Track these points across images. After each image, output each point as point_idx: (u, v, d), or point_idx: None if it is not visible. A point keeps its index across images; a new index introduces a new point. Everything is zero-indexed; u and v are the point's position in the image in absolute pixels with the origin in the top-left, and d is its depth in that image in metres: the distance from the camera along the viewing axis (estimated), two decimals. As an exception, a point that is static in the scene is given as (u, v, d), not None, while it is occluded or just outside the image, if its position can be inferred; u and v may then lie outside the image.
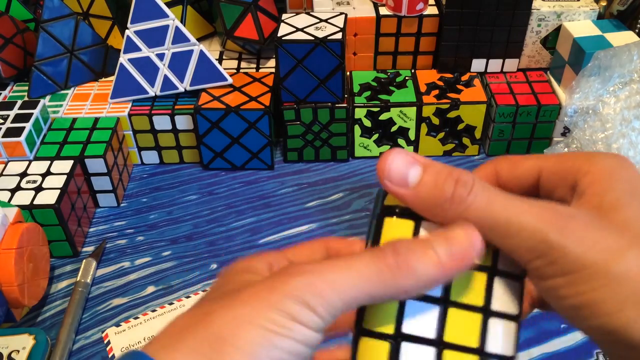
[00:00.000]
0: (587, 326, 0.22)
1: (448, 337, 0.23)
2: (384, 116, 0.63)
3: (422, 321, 0.23)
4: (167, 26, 0.61)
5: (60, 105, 0.65)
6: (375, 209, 0.25)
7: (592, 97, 0.59)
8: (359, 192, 0.62)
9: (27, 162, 0.57)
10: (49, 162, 0.57)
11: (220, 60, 0.70)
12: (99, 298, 0.53)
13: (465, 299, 0.24)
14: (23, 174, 0.56)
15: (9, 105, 0.61)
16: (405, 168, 0.23)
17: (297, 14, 0.63)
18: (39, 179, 0.55)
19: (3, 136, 0.57)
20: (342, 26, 0.60)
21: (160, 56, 0.63)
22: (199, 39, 0.69)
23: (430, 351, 0.23)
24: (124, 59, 0.63)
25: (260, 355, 0.20)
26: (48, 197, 0.53)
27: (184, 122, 0.63)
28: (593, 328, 0.22)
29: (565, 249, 0.22)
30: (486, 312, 0.24)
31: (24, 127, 0.58)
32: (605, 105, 0.58)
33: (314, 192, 0.63)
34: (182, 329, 0.22)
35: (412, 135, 0.65)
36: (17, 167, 0.56)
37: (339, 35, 0.59)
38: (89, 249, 0.57)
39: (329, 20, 0.61)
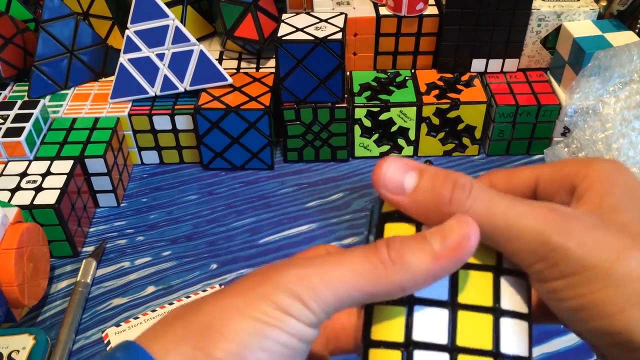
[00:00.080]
0: (588, 329, 0.22)
1: (461, 341, 0.23)
2: (384, 116, 0.63)
3: (432, 327, 0.23)
4: (167, 26, 0.61)
5: (60, 105, 0.65)
6: (372, 216, 0.25)
7: (592, 97, 0.59)
8: (359, 192, 0.62)
9: (27, 162, 0.57)
10: (49, 162, 0.57)
11: (220, 60, 0.70)
12: (99, 298, 0.53)
13: (474, 300, 0.23)
14: (23, 174, 0.56)
15: (9, 105, 0.61)
16: (400, 175, 0.23)
17: (297, 14, 0.63)
18: (39, 179, 0.55)
19: (3, 136, 0.57)
20: (342, 26, 0.60)
21: (160, 56, 0.63)
22: (199, 39, 0.69)
23: (444, 357, 0.22)
24: (124, 59, 0.63)
25: (251, 344, 0.20)
26: (48, 197, 0.53)
27: (184, 122, 0.63)
28: (594, 330, 0.22)
29: (567, 251, 0.21)
30: (496, 312, 0.23)
31: (24, 127, 0.58)
32: (605, 105, 0.58)
33: (314, 192, 0.63)
34: (173, 319, 0.22)
35: (412, 135, 0.65)
36: (17, 167, 0.56)
37: (339, 35, 0.59)
38: (89, 249, 0.57)
39: (329, 20, 0.61)
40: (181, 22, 0.65)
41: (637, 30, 0.64)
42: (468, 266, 0.24)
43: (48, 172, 0.56)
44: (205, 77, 0.63)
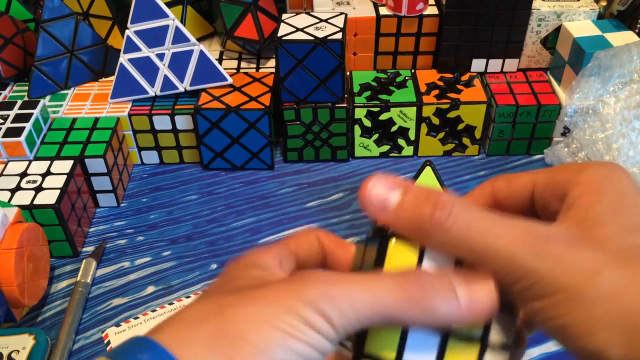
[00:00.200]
0: (569, 349, 0.22)
1: None
2: (384, 116, 0.63)
3: (422, 349, 0.23)
4: (167, 26, 0.61)
5: (60, 105, 0.65)
6: (374, 229, 0.25)
7: (592, 97, 0.59)
8: (359, 192, 0.62)
9: (27, 162, 0.57)
10: (49, 162, 0.57)
11: (220, 60, 0.70)
12: (99, 298, 0.53)
13: (465, 329, 0.24)
14: (23, 174, 0.56)
15: (9, 105, 0.61)
16: (385, 192, 0.24)
17: (297, 14, 0.63)
18: (39, 179, 0.55)
19: (3, 136, 0.57)
20: (342, 26, 0.60)
21: (160, 56, 0.63)
22: (199, 39, 0.69)
23: None
24: (124, 59, 0.63)
25: (277, 354, 0.21)
26: (48, 197, 0.53)
27: (184, 122, 0.63)
28: (574, 351, 0.22)
29: (539, 273, 0.21)
30: (484, 344, 0.24)
31: (24, 127, 0.58)
32: (605, 105, 0.58)
33: (314, 192, 0.63)
34: (197, 323, 0.21)
35: (412, 135, 0.65)
36: (17, 167, 0.56)
37: (339, 35, 0.59)
38: (89, 249, 0.57)
39: (329, 20, 0.61)
40: (181, 22, 0.65)
41: (637, 30, 0.64)
42: None
43: (48, 172, 0.56)
44: (205, 77, 0.63)
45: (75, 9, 0.69)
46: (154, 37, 0.62)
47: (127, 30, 0.62)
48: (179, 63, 0.63)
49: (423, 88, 0.65)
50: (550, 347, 0.48)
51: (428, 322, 0.22)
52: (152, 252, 0.57)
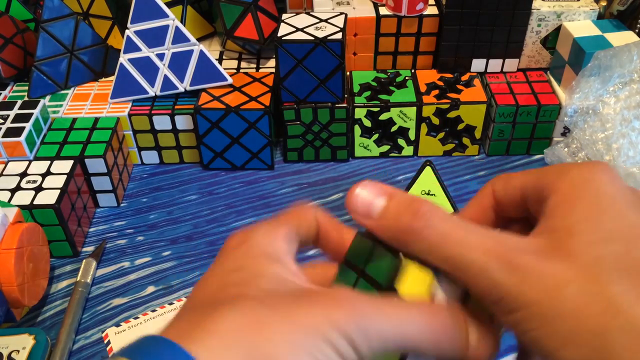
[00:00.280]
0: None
1: None
2: (384, 116, 0.63)
3: None
4: (167, 26, 0.61)
5: (60, 105, 0.65)
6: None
7: (592, 97, 0.59)
8: (359, 192, 0.62)
9: (27, 162, 0.57)
10: (49, 162, 0.57)
11: (220, 60, 0.70)
12: (99, 298, 0.53)
13: None
14: (23, 174, 0.56)
15: (9, 105, 0.61)
16: (371, 199, 0.24)
17: (297, 14, 0.63)
18: (39, 179, 0.55)
19: (3, 136, 0.57)
20: (342, 26, 0.60)
21: (160, 56, 0.63)
22: (199, 39, 0.69)
23: None
24: (124, 59, 0.63)
25: None
26: (48, 197, 0.53)
27: (184, 122, 0.63)
28: None
29: (507, 287, 0.21)
30: None
31: (24, 127, 0.58)
32: (605, 105, 0.58)
33: (314, 192, 0.63)
34: (232, 335, 0.21)
35: (412, 135, 0.65)
36: (17, 167, 0.57)
37: (339, 35, 0.59)
38: (89, 249, 0.57)
39: (329, 20, 0.61)
40: (181, 22, 0.65)
41: (637, 30, 0.64)
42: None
43: (48, 172, 0.56)
44: (205, 77, 0.63)
45: (75, 9, 0.69)
46: (154, 37, 0.62)
47: (127, 30, 0.62)
48: (179, 63, 0.63)
49: (423, 88, 0.65)
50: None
51: (435, 355, 0.23)
52: (152, 252, 0.57)
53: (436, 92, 0.64)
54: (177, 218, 0.60)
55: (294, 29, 0.60)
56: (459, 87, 0.65)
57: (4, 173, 0.56)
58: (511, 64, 0.67)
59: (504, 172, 0.64)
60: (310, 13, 0.63)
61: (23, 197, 0.53)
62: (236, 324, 0.21)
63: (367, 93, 0.64)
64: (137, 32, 0.62)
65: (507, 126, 0.64)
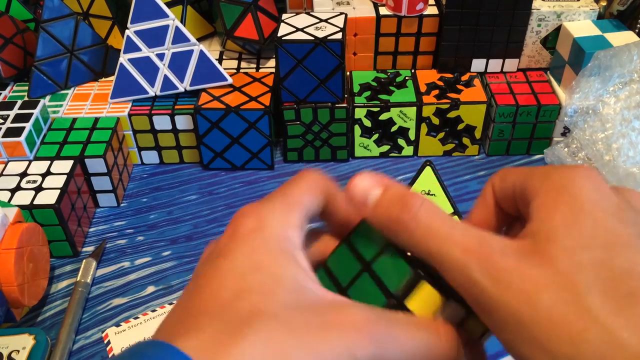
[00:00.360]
0: None
1: None
2: (384, 116, 0.63)
3: None
4: (167, 26, 0.61)
5: (60, 105, 0.65)
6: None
7: (592, 97, 0.59)
8: (359, 192, 0.62)
9: (27, 162, 0.57)
10: (49, 162, 0.57)
11: (220, 60, 0.70)
12: (99, 298, 0.53)
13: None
14: (23, 174, 0.56)
15: (9, 105, 0.61)
16: (368, 189, 0.25)
17: (297, 14, 0.63)
18: (39, 179, 0.55)
19: (3, 136, 0.57)
20: (342, 26, 0.60)
21: (160, 56, 0.63)
22: (199, 39, 0.69)
23: None
24: (124, 59, 0.63)
25: None
26: (48, 197, 0.53)
27: (184, 122, 0.63)
28: None
29: (483, 289, 0.21)
30: None
31: (24, 127, 0.58)
32: (605, 105, 0.58)
33: (314, 192, 0.63)
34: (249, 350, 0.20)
35: (412, 135, 0.65)
36: (17, 167, 0.57)
37: (339, 35, 0.59)
38: (89, 249, 0.57)
39: (329, 20, 0.61)
40: (181, 22, 0.65)
41: (637, 30, 0.64)
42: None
43: (48, 172, 0.56)
44: (205, 77, 0.63)
45: (75, 9, 0.69)
46: (154, 37, 0.62)
47: (127, 30, 0.62)
48: (179, 63, 0.63)
49: (423, 88, 0.65)
50: None
51: None
52: (152, 252, 0.57)
53: (436, 92, 0.64)
54: (177, 218, 0.60)
55: (294, 29, 0.60)
56: (459, 87, 0.65)
57: (4, 173, 0.56)
58: (511, 64, 0.67)
59: (504, 172, 0.64)
60: (310, 13, 0.63)
61: (23, 197, 0.53)
62: (260, 354, 0.20)
63: (367, 93, 0.64)
64: (137, 32, 0.62)
65: (507, 126, 0.64)
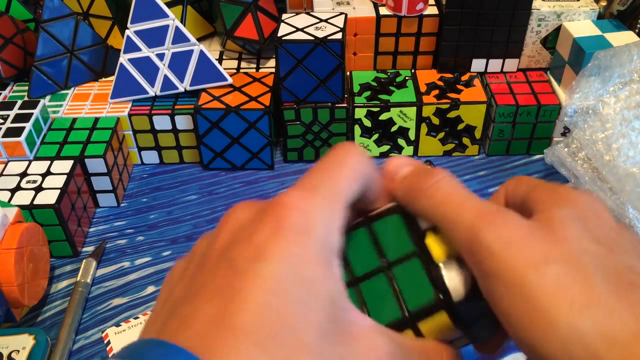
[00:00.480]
0: (513, 338, 0.22)
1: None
2: (384, 116, 0.63)
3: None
4: (167, 26, 0.61)
5: (60, 105, 0.65)
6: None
7: (592, 97, 0.59)
8: (359, 192, 0.62)
9: (27, 162, 0.57)
10: (49, 162, 0.57)
11: (220, 60, 0.70)
12: (99, 298, 0.53)
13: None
14: (23, 174, 0.56)
15: (9, 105, 0.61)
16: (401, 165, 0.27)
17: (297, 14, 0.63)
18: (39, 179, 0.55)
19: (3, 136, 0.57)
20: (342, 26, 0.60)
21: (160, 56, 0.63)
22: (199, 39, 0.69)
23: None
24: (124, 59, 0.63)
25: None
26: (48, 197, 0.53)
27: (184, 122, 0.63)
28: (515, 340, 0.22)
29: (490, 249, 0.21)
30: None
31: (24, 127, 0.58)
32: (605, 105, 0.58)
33: (314, 192, 0.63)
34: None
35: (412, 135, 0.65)
36: (17, 167, 0.57)
37: (339, 35, 0.59)
38: (89, 249, 0.57)
39: (329, 20, 0.61)
40: (181, 22, 0.65)
41: (637, 30, 0.64)
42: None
43: (48, 172, 0.56)
44: (205, 77, 0.63)
45: (75, 9, 0.69)
46: (154, 37, 0.62)
47: (127, 30, 0.62)
48: (179, 63, 0.63)
49: (423, 88, 0.65)
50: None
51: None
52: (152, 252, 0.57)
53: (436, 92, 0.64)
54: (177, 218, 0.60)
55: (294, 29, 0.60)
56: (459, 87, 0.65)
57: (4, 173, 0.56)
58: (511, 64, 0.67)
59: (504, 172, 0.64)
60: (310, 13, 0.63)
61: (23, 197, 0.53)
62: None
63: (367, 93, 0.64)
64: (137, 32, 0.62)
65: (507, 126, 0.64)
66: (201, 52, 0.62)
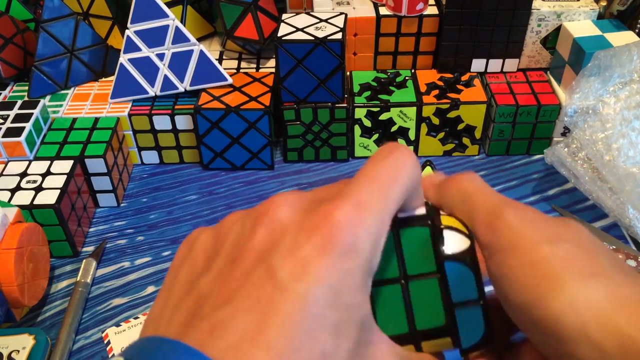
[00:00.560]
0: (517, 302, 0.22)
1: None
2: (384, 116, 0.63)
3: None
4: (167, 26, 0.61)
5: (60, 105, 0.65)
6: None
7: (592, 97, 0.59)
8: (359, 192, 0.62)
9: (27, 162, 0.57)
10: (49, 162, 0.57)
11: (220, 60, 0.70)
12: (99, 298, 0.53)
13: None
14: (23, 174, 0.56)
15: (9, 105, 0.61)
16: (439, 177, 0.27)
17: (297, 14, 0.63)
18: (39, 179, 0.55)
19: (3, 136, 0.57)
20: (342, 26, 0.60)
21: (160, 56, 0.63)
22: (199, 39, 0.69)
23: None
24: (124, 59, 0.63)
25: None
26: (48, 197, 0.53)
27: (184, 122, 0.63)
28: (520, 304, 0.22)
29: (511, 225, 0.23)
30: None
31: (24, 127, 0.58)
32: (605, 105, 0.58)
33: (314, 192, 0.63)
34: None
35: (412, 135, 0.65)
36: (17, 167, 0.57)
37: (339, 35, 0.59)
38: (89, 249, 0.57)
39: (329, 20, 0.61)
40: (181, 22, 0.65)
41: (637, 30, 0.64)
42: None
43: (48, 172, 0.56)
44: (205, 77, 0.63)
45: (75, 9, 0.69)
46: (154, 37, 0.62)
47: (127, 30, 0.62)
48: (179, 63, 0.63)
49: (423, 88, 0.65)
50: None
51: None
52: (152, 252, 0.57)
53: (436, 92, 0.64)
54: (177, 218, 0.60)
55: (294, 29, 0.60)
56: (459, 87, 0.65)
57: (4, 173, 0.56)
58: (511, 64, 0.67)
59: (504, 172, 0.64)
60: (310, 13, 0.63)
61: (23, 197, 0.53)
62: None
63: (367, 93, 0.64)
64: (137, 32, 0.62)
65: (507, 126, 0.64)
66: (201, 52, 0.62)
